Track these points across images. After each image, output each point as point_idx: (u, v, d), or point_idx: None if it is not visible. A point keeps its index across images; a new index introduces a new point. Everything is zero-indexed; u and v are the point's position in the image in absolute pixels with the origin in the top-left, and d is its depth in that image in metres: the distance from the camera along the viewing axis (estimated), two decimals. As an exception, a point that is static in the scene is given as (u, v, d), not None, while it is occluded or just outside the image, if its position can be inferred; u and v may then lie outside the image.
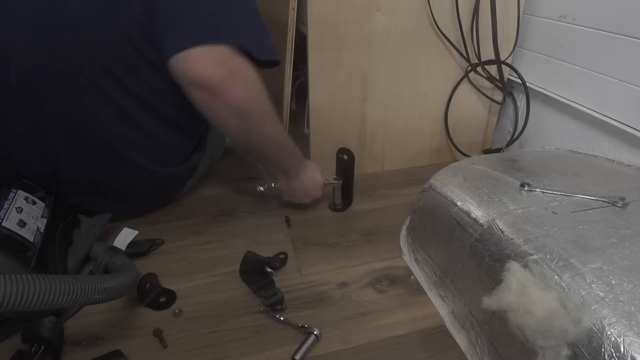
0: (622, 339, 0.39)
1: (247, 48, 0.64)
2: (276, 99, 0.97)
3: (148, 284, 0.67)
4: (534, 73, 0.97)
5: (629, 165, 0.77)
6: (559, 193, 0.60)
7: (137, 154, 0.73)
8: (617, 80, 0.79)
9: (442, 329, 0.62)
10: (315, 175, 0.84)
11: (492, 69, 0.97)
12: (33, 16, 0.60)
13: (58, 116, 0.66)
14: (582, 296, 0.44)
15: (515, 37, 0.95)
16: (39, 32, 0.61)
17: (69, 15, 0.61)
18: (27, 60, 0.62)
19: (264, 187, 0.84)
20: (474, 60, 0.96)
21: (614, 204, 0.57)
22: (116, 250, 0.70)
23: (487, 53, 0.94)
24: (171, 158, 0.80)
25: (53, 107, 0.65)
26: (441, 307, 0.65)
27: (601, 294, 0.43)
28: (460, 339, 0.60)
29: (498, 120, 1.09)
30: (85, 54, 0.62)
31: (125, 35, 0.63)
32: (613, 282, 0.44)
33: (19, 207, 0.64)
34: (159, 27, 0.63)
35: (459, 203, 0.63)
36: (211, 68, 0.62)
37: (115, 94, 0.66)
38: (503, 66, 0.96)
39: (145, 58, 0.65)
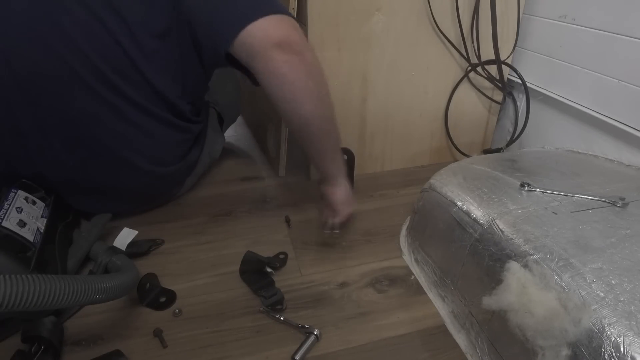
0: (622, 339, 0.39)
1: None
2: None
3: (148, 284, 0.67)
4: (534, 73, 0.97)
5: (629, 165, 0.77)
6: (559, 193, 0.60)
7: (132, 154, 0.74)
8: (617, 80, 0.79)
9: (442, 329, 0.62)
10: (348, 186, 0.78)
11: (492, 69, 0.97)
12: (30, 16, 0.61)
13: (54, 116, 0.67)
14: (582, 296, 0.44)
15: (515, 37, 0.95)
16: (35, 32, 0.61)
17: (65, 16, 0.61)
18: (22, 59, 0.62)
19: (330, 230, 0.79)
20: (474, 60, 0.96)
21: (614, 204, 0.57)
22: (116, 250, 0.70)
23: (487, 53, 0.94)
24: (168, 157, 0.81)
25: (49, 106, 0.66)
26: (441, 307, 0.65)
27: (601, 294, 0.43)
28: (460, 339, 0.60)
29: (498, 120, 1.09)
30: (78, 55, 0.63)
31: (116, 39, 0.63)
32: (613, 282, 0.44)
33: (19, 207, 0.64)
34: (213, 9, 0.63)
35: (459, 203, 0.63)
36: (293, 31, 0.63)
37: (107, 94, 0.67)
38: (503, 66, 0.96)
39: (132, 61, 0.66)
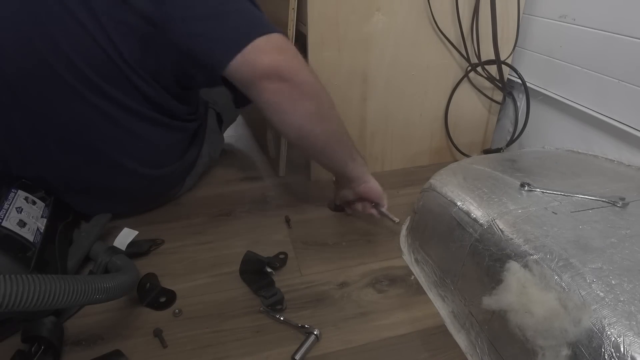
0: (622, 339, 0.39)
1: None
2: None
3: (148, 284, 0.67)
4: (534, 73, 0.97)
5: (629, 165, 0.77)
6: (559, 193, 0.60)
7: (126, 158, 0.73)
8: (617, 80, 0.79)
9: (442, 329, 0.62)
10: (375, 187, 0.78)
11: (492, 69, 0.97)
12: (17, 18, 0.61)
13: (45, 118, 0.66)
14: (582, 296, 0.44)
15: (515, 37, 0.95)
16: (21, 33, 0.61)
17: (50, 19, 0.61)
18: (9, 61, 0.62)
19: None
20: (474, 60, 0.96)
21: (614, 204, 0.57)
22: (116, 250, 0.70)
23: (487, 53, 0.94)
24: (163, 158, 0.80)
25: (39, 109, 0.66)
26: (441, 307, 0.65)
27: (601, 294, 0.43)
28: (460, 339, 0.60)
29: (498, 120, 1.09)
30: (62, 59, 0.62)
31: (100, 46, 0.63)
32: (613, 282, 0.44)
33: (19, 207, 0.64)
34: (196, 38, 0.61)
35: (459, 203, 0.63)
36: (278, 55, 0.60)
37: (94, 99, 0.66)
38: (503, 66, 0.96)
39: (118, 67, 0.65)
